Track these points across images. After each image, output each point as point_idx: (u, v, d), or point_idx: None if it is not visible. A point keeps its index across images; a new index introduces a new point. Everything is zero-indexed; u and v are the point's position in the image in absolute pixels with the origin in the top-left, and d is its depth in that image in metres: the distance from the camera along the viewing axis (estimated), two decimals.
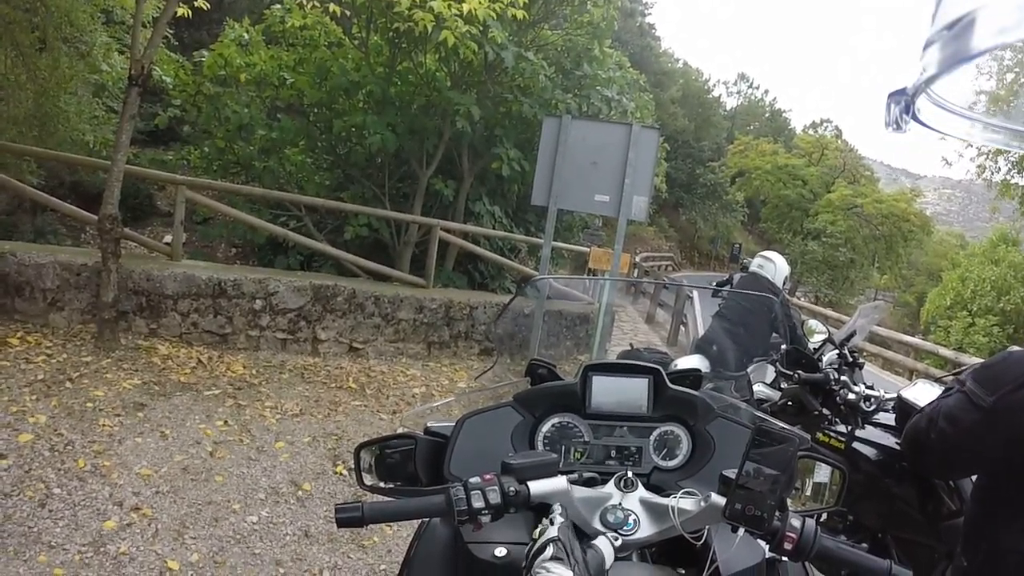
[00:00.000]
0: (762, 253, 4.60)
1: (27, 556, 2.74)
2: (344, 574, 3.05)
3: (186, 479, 3.57)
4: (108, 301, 4.96)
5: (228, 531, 3.21)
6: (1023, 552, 1.32)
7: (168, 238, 6.34)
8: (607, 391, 1.36)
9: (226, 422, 4.33)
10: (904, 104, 0.59)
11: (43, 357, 4.58)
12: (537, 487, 1.04)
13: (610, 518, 1.10)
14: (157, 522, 3.16)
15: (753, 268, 4.47)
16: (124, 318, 5.33)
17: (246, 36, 8.20)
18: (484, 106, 7.69)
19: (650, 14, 37.44)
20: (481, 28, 6.53)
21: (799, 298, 25.25)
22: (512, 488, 1.01)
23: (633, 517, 1.11)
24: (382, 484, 1.28)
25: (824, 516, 2.52)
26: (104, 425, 3.91)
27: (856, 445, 2.57)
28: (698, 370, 1.53)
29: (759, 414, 1.62)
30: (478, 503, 0.97)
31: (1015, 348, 1.47)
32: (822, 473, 1.37)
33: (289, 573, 2.98)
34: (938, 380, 2.70)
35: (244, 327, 5.83)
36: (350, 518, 0.98)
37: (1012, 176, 15.48)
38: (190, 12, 6.50)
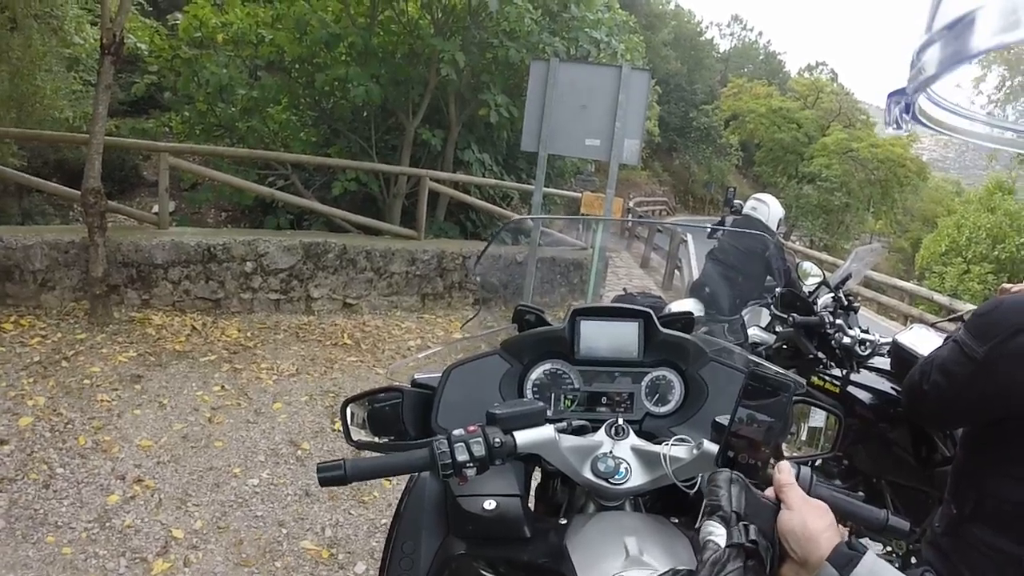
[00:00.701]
0: (755, 195, 4.54)
1: (35, 539, 2.76)
2: (346, 531, 3.09)
3: (186, 447, 3.58)
4: (98, 276, 4.89)
5: (230, 495, 3.23)
6: (1006, 499, 1.31)
7: (156, 208, 6.24)
8: (596, 336, 1.33)
9: (223, 387, 4.33)
10: (904, 104, 0.59)
11: (38, 339, 4.54)
12: (524, 437, 1.01)
13: (601, 467, 1.07)
14: (160, 492, 3.18)
15: (747, 211, 4.42)
16: (116, 292, 5.28)
17: None
18: (469, 52, 7.49)
19: None
20: None
21: (794, 242, 25.22)
22: (497, 439, 0.97)
23: (624, 465, 1.08)
24: (372, 439, 1.25)
25: (819, 461, 2.53)
26: (102, 400, 3.91)
27: (851, 389, 2.57)
28: (690, 313, 1.50)
29: (753, 358, 1.59)
30: (462, 456, 0.94)
31: (1007, 295, 1.43)
32: (817, 418, 1.35)
33: (292, 533, 3.01)
34: (933, 325, 2.67)
35: (236, 291, 5.78)
36: (332, 476, 0.95)
37: None
38: None
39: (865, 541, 0.76)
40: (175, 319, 5.33)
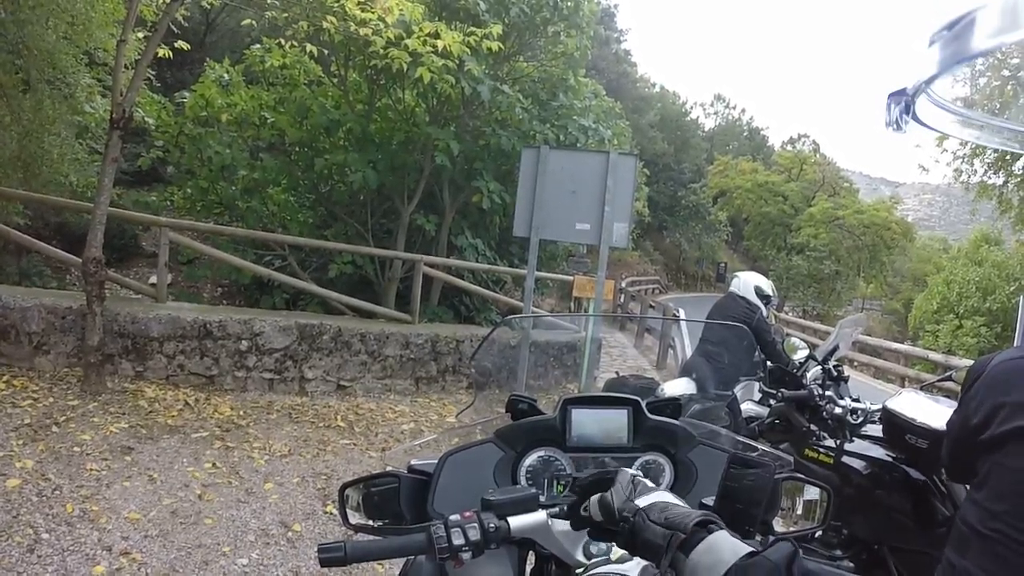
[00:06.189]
0: (736, 273, 4.70)
1: None
2: None
3: (175, 522, 3.52)
4: (93, 344, 4.93)
5: (218, 574, 3.15)
6: (968, 524, 1.33)
7: (154, 279, 6.32)
8: (587, 423, 1.37)
9: (214, 464, 4.28)
10: (904, 104, 0.59)
11: (29, 401, 4.54)
12: (517, 522, 1.04)
13: (592, 550, 1.10)
14: (147, 567, 3.10)
15: (731, 289, 4.56)
16: (110, 361, 5.30)
17: (227, 76, 8.22)
18: (463, 140, 7.74)
19: (626, 40, 38.13)
20: (457, 63, 6.61)
21: (787, 312, 25.39)
22: (492, 524, 1.01)
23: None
24: (368, 522, 1.28)
25: (819, 532, 2.53)
26: (91, 469, 3.87)
27: (845, 459, 2.59)
28: (677, 399, 1.55)
29: (740, 438, 1.63)
30: (458, 540, 0.98)
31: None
32: (811, 491, 1.38)
33: None
34: (923, 387, 2.72)
35: (231, 368, 5.79)
36: (333, 557, 0.98)
37: (988, 177, 15.42)
38: (171, 53, 6.59)
39: None
40: (168, 393, 5.31)
